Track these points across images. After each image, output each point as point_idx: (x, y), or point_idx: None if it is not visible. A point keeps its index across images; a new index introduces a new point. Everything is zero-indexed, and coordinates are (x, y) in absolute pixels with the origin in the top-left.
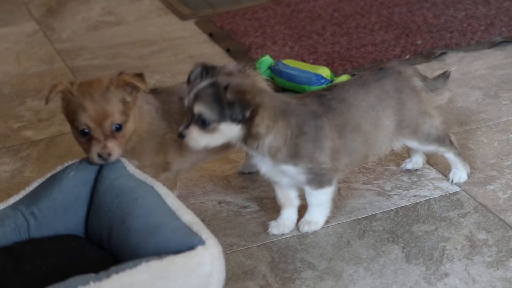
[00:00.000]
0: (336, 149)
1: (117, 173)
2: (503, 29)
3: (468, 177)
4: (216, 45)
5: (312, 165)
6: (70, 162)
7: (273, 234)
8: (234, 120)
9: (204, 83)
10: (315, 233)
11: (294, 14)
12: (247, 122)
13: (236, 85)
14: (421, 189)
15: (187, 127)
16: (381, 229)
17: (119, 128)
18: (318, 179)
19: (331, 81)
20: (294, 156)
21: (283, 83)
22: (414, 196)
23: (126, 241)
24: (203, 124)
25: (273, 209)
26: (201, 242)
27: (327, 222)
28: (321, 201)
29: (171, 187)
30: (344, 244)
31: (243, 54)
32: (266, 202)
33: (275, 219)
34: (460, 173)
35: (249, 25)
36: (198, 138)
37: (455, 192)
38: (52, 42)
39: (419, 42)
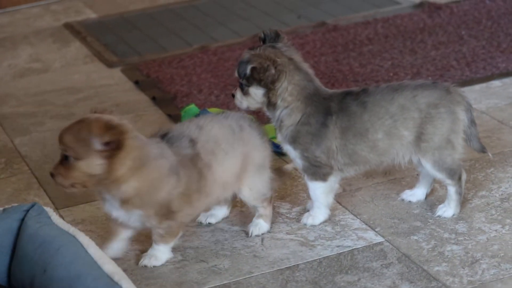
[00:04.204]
0: (332, 149)
1: (40, 222)
2: (429, 78)
3: (452, 216)
4: (142, 93)
5: (308, 154)
6: None
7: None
8: (240, 75)
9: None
10: (237, 283)
11: (220, 63)
12: (270, 89)
13: (259, 50)
14: (344, 239)
15: (236, 89)
16: (304, 280)
17: (66, 158)
18: (312, 170)
19: None
20: (294, 140)
21: None
22: (338, 246)
23: None
24: (241, 87)
25: (196, 258)
26: None
27: (249, 272)
28: (314, 195)
29: (172, 235)
30: None
31: (169, 103)
32: (189, 252)
33: (198, 269)
34: (448, 210)
35: (175, 73)
36: (240, 99)
37: (379, 242)
38: None
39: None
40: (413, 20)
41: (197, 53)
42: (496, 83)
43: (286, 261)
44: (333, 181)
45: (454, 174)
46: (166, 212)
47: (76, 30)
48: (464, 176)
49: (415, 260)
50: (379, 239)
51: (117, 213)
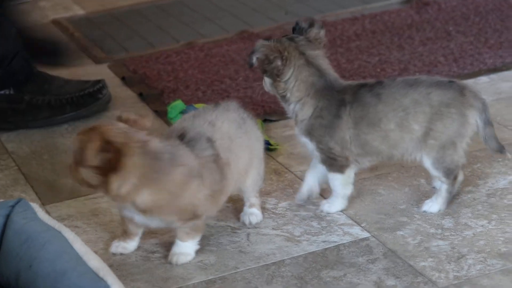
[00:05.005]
0: (346, 139)
1: (26, 218)
2: (417, 74)
3: (437, 211)
4: (129, 89)
5: (322, 146)
6: None
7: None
8: (248, 64)
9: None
10: (223, 278)
11: (207, 59)
12: (276, 81)
13: (273, 41)
14: (330, 235)
15: None
16: (290, 275)
17: None
18: (329, 162)
19: None
20: (308, 133)
21: None
22: (324, 241)
23: (34, 286)
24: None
25: None
26: (107, 287)
27: (235, 267)
28: (333, 185)
29: (199, 231)
30: None
31: (156, 99)
32: None
33: (183, 265)
34: (434, 205)
35: (162, 69)
36: (264, 85)
37: (365, 237)
38: None
39: None
40: (400, 16)
41: (184, 49)
42: (483, 79)
43: (272, 257)
44: (350, 174)
45: (450, 173)
46: (191, 216)
47: (63, 26)
48: (460, 177)
49: (401, 256)
50: (365, 234)
51: (138, 218)
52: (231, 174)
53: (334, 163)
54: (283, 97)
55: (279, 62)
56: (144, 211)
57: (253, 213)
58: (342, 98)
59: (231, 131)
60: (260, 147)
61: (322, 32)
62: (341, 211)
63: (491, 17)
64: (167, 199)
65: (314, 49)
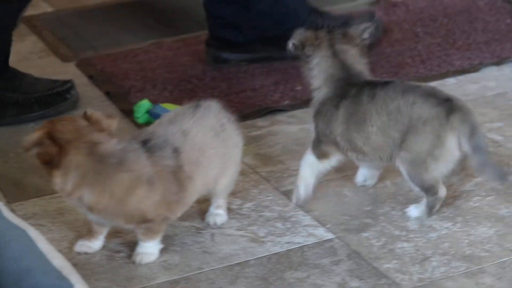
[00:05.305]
0: (338, 132)
1: None
2: (384, 75)
3: (426, 216)
4: (96, 88)
5: (318, 129)
6: None
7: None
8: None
9: None
10: (187, 278)
11: (175, 58)
12: (304, 67)
13: (311, 31)
14: (294, 236)
15: None
16: (253, 276)
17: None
18: (316, 144)
19: None
20: (314, 115)
21: None
22: (288, 242)
23: None
24: None
25: None
26: (70, 286)
27: (199, 268)
28: (300, 165)
29: (156, 232)
30: None
31: (123, 98)
32: None
33: (147, 265)
34: (416, 212)
35: (130, 68)
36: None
37: (329, 239)
38: None
39: (299, 87)
40: None
41: (152, 48)
42: (451, 80)
43: (236, 257)
44: (324, 165)
45: (427, 190)
46: (140, 220)
47: (32, 24)
48: (442, 193)
49: (365, 257)
50: (330, 235)
51: (90, 216)
52: (193, 187)
53: (319, 146)
54: (308, 83)
55: (309, 50)
56: (91, 210)
57: (218, 214)
58: (347, 91)
59: (206, 141)
60: (238, 153)
61: (363, 32)
62: (306, 212)
63: (459, 19)
64: (110, 202)
65: (345, 44)
